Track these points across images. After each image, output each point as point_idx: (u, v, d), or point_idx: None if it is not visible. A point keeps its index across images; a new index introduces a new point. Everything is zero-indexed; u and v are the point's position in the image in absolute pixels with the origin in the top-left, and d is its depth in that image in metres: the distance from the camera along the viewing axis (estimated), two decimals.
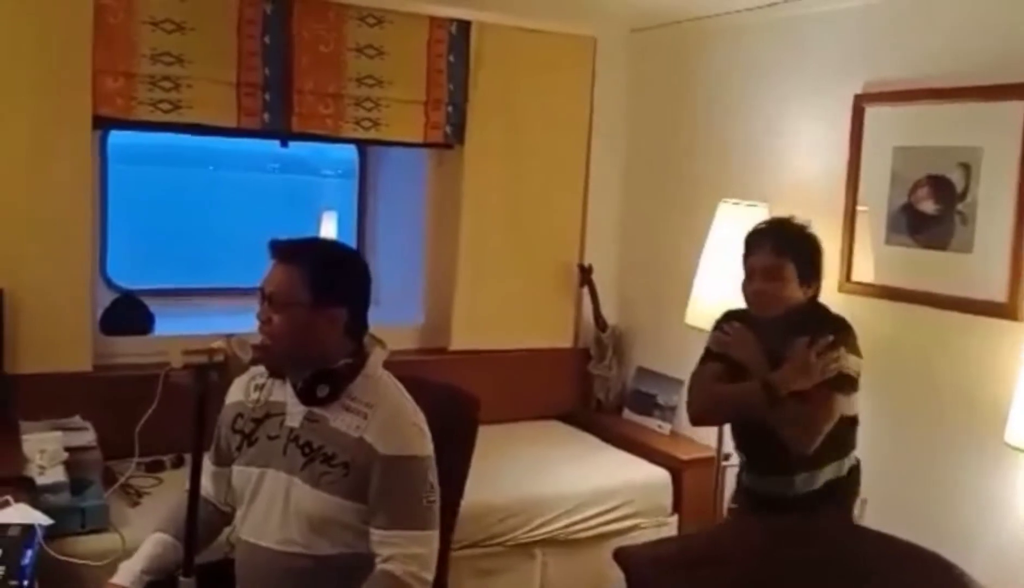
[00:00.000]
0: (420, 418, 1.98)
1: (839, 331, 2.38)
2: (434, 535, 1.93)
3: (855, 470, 2.52)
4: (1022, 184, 2.53)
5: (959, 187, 2.70)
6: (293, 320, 1.88)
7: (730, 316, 2.58)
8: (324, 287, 1.89)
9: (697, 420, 2.64)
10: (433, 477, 1.95)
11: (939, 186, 2.75)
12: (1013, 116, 2.54)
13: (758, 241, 2.45)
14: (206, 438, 1.85)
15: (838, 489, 2.47)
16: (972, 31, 2.70)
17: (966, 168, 2.68)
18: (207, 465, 2.10)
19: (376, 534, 1.89)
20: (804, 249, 2.43)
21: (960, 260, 2.70)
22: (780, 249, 2.40)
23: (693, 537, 2.48)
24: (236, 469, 2.03)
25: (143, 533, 2.11)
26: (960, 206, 2.70)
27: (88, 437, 2.76)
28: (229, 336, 1.83)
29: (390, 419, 1.91)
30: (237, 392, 2.09)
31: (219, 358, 1.79)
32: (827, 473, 2.45)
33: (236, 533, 2.05)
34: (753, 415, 2.39)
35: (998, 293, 2.60)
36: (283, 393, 1.99)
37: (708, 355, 2.58)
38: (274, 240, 1.93)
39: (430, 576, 1.89)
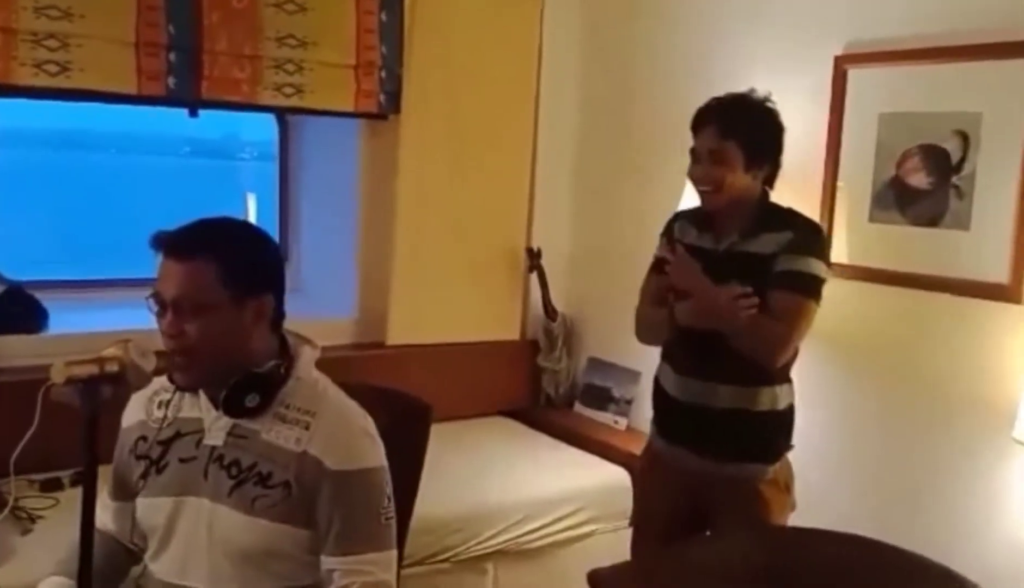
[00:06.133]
0: (369, 423, 1.74)
1: (803, 231, 2.22)
2: (394, 555, 1.72)
3: (791, 409, 2.32)
4: None
5: (955, 157, 2.54)
6: (213, 325, 1.60)
7: (680, 216, 2.46)
8: (245, 275, 1.62)
9: (639, 340, 2.49)
10: (389, 489, 1.72)
11: (932, 156, 2.60)
12: (1018, 77, 2.39)
13: (704, 121, 2.26)
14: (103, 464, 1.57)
15: (770, 423, 2.28)
16: None
17: (963, 136, 2.52)
18: (106, 501, 1.83)
19: (330, 562, 1.66)
20: (754, 129, 2.24)
21: (956, 238, 2.55)
22: (725, 130, 2.21)
23: (675, 551, 2.29)
24: (142, 502, 1.73)
25: (36, 567, 1.84)
26: (956, 179, 2.55)
27: None
28: (126, 341, 1.50)
29: (336, 428, 1.68)
30: (136, 411, 1.80)
31: (112, 368, 1.45)
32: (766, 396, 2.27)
33: (148, 573, 1.78)
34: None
35: (999, 274, 2.45)
36: (196, 407, 1.73)
37: (653, 264, 2.44)
38: (160, 233, 1.62)
39: None
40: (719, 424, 2.27)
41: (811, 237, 2.22)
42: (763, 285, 2.16)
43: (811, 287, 2.18)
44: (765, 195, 2.29)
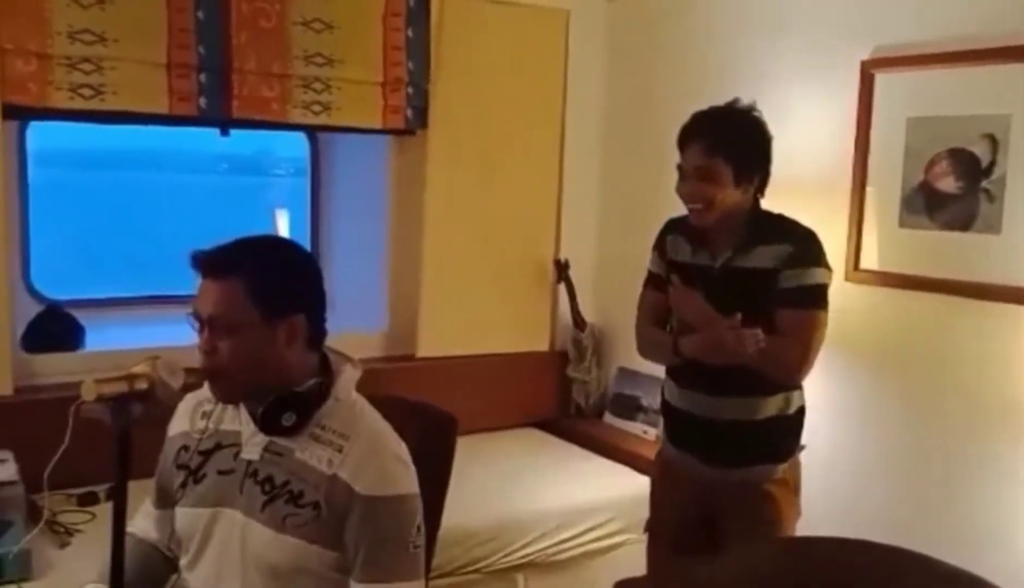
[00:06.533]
0: (403, 450, 1.70)
1: (801, 242, 2.17)
2: (421, 585, 1.69)
3: (802, 412, 2.29)
4: None
5: (984, 161, 2.48)
6: (245, 344, 1.60)
7: (671, 227, 2.41)
8: (274, 295, 1.61)
9: (642, 357, 2.49)
10: (420, 517, 1.69)
11: (961, 160, 2.54)
12: None
13: (690, 138, 2.23)
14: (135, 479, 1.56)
15: (778, 428, 2.25)
16: None
17: (992, 139, 2.46)
18: (149, 509, 1.86)
19: None
20: (741, 142, 2.19)
21: (986, 242, 2.49)
22: (712, 146, 2.17)
23: (698, 564, 2.25)
24: (181, 511, 1.74)
25: (73, 580, 1.88)
26: (985, 182, 2.49)
27: (8, 470, 2.47)
28: (155, 358, 1.51)
29: (369, 453, 1.65)
30: (181, 422, 1.80)
31: (142, 386, 1.47)
32: (774, 403, 2.24)
33: (183, 581, 1.78)
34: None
35: None
36: (236, 420, 1.73)
37: (647, 278, 2.44)
38: (197, 252, 1.61)
39: None
40: (728, 435, 2.24)
41: (809, 246, 2.18)
42: (765, 300, 2.13)
43: (819, 298, 2.15)
44: (756, 204, 2.24)
